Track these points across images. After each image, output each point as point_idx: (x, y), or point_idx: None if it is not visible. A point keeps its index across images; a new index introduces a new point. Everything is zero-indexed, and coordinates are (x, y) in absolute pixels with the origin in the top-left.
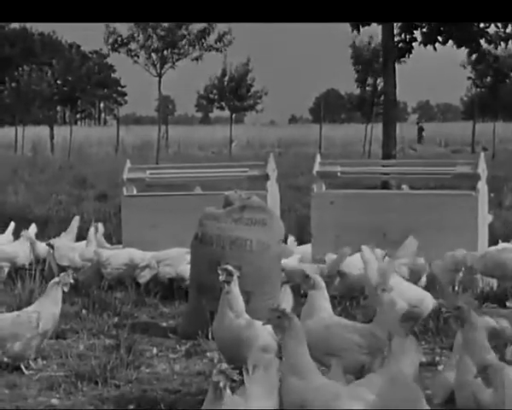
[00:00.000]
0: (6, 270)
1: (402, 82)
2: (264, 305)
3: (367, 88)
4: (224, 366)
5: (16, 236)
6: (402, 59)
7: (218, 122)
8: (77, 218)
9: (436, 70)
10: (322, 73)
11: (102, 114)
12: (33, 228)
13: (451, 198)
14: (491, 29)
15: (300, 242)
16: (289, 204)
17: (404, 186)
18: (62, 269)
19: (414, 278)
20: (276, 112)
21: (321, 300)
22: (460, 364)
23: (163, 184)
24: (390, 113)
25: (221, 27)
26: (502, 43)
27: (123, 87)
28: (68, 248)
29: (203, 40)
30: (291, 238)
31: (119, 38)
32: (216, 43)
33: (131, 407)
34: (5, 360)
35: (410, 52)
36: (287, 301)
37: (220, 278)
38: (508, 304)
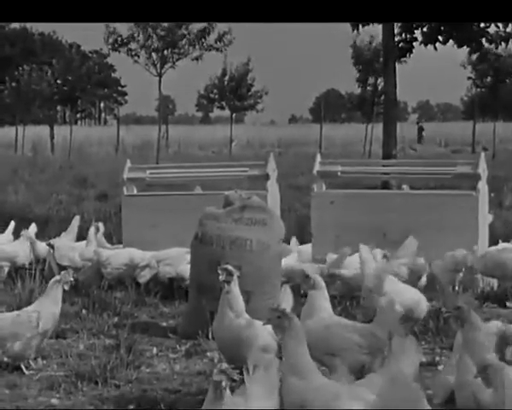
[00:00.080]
0: (6, 269)
1: (402, 82)
2: (264, 305)
3: (367, 88)
4: (225, 365)
5: (16, 235)
6: (403, 59)
7: (218, 122)
8: (77, 217)
9: (436, 70)
10: (322, 72)
11: (103, 114)
12: (33, 228)
13: (452, 198)
14: (492, 28)
15: (301, 242)
16: (289, 204)
17: (404, 186)
18: (62, 269)
19: (413, 277)
20: (277, 112)
21: (321, 300)
22: (460, 364)
23: (163, 184)
24: (390, 112)
25: (221, 27)
26: (502, 42)
27: (123, 87)
28: (68, 247)
29: (203, 40)
30: (293, 240)
31: (119, 38)
32: (216, 42)
33: (131, 406)
34: (5, 359)
35: (411, 52)
36: (287, 301)
37: (220, 277)
38: (508, 304)
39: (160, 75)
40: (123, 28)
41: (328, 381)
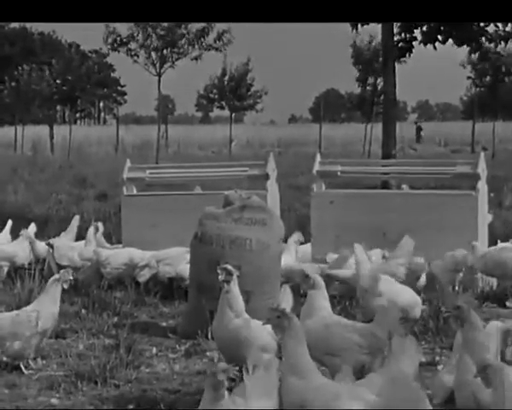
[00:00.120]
0: (5, 269)
1: (402, 81)
2: (263, 304)
3: (367, 87)
4: (224, 365)
5: (14, 235)
6: (402, 58)
7: (217, 122)
8: (77, 217)
9: (436, 69)
10: (322, 72)
11: (102, 114)
12: (33, 227)
13: (451, 198)
14: (491, 28)
15: (301, 241)
16: (289, 204)
17: (403, 186)
18: (62, 269)
19: (412, 277)
20: (276, 111)
21: (320, 299)
22: (460, 363)
23: (163, 184)
24: (390, 112)
25: (220, 26)
26: (502, 41)
27: (122, 86)
28: (68, 247)
29: (202, 39)
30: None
31: (119, 38)
32: (215, 42)
33: (131, 406)
34: (4, 359)
35: (411, 51)
36: (286, 300)
37: (220, 277)
38: (507, 304)
39: (159, 75)
40: (122, 28)
41: (327, 381)
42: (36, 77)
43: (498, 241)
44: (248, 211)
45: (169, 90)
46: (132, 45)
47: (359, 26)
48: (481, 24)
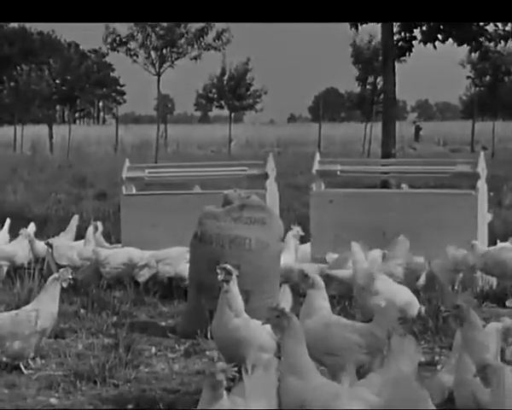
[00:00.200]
0: (5, 269)
1: (401, 81)
2: (263, 304)
3: (367, 87)
4: (223, 364)
5: (13, 234)
6: (402, 58)
7: (217, 121)
8: (76, 217)
9: (435, 69)
10: (321, 72)
11: (101, 113)
12: (32, 227)
13: (451, 197)
14: (490, 27)
15: (300, 241)
16: (288, 203)
17: (403, 185)
18: (61, 268)
19: (412, 277)
20: (276, 111)
21: (320, 299)
22: (459, 363)
23: (162, 183)
24: (389, 111)
25: (219, 26)
26: (501, 41)
27: (122, 86)
28: (67, 247)
29: (201, 39)
30: (291, 233)
31: (118, 38)
32: (214, 41)
33: (130, 406)
34: (4, 359)
35: (410, 51)
36: (286, 300)
37: (219, 277)
38: (507, 303)
39: (158, 74)
40: (122, 28)
41: (326, 381)
42: (35, 77)
43: (498, 240)
44: (248, 210)
45: (168, 89)
46: (132, 45)
47: (359, 25)
48: (481, 23)
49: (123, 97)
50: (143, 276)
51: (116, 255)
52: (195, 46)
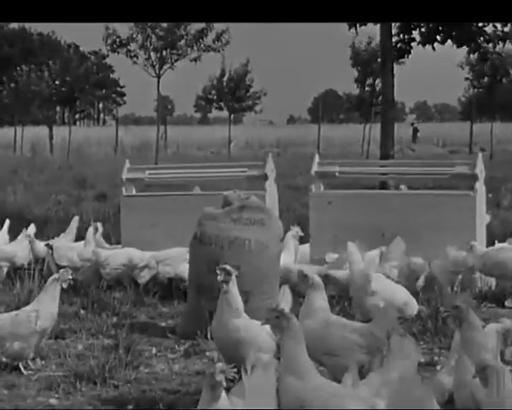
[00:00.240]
0: (5, 270)
1: (400, 82)
2: (262, 305)
3: (366, 88)
4: (222, 365)
5: (13, 235)
6: (401, 59)
7: (216, 122)
8: (76, 218)
9: (434, 70)
10: (320, 73)
11: (101, 115)
12: (32, 228)
13: (449, 198)
14: (489, 28)
15: (299, 242)
16: (288, 204)
17: (402, 186)
18: (61, 269)
19: (412, 278)
20: (275, 112)
21: (319, 300)
22: (458, 364)
23: (162, 184)
24: (388, 113)
25: (219, 27)
26: (500, 42)
27: (122, 87)
28: (67, 248)
29: (201, 40)
30: (296, 228)
31: (118, 39)
32: (214, 42)
33: (130, 407)
34: (4, 359)
35: (409, 52)
36: (285, 301)
37: (219, 277)
38: (506, 304)
39: (158, 76)
40: (122, 29)
41: (326, 381)
42: (35, 78)
43: (496, 241)
44: (247, 211)
45: (168, 91)
46: (132, 46)
47: (357, 26)
48: (480, 24)
49: (123, 99)
50: (144, 277)
51: (116, 256)
52: (195, 48)
